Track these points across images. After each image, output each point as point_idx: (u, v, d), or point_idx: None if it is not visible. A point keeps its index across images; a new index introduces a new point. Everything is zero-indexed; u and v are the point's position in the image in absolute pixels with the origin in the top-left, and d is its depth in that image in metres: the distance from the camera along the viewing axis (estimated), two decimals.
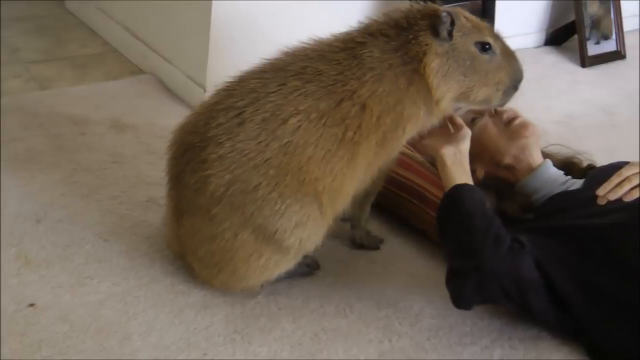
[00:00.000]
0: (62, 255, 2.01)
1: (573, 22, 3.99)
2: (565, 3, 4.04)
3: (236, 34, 2.74)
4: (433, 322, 2.00)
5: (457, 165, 2.01)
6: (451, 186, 1.97)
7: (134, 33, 3.14)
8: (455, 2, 3.24)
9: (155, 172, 2.27)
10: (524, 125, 2.20)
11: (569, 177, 2.18)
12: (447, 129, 2.08)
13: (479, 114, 2.27)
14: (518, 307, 1.93)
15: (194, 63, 2.82)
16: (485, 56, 1.95)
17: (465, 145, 2.05)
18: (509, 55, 2.00)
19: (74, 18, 3.45)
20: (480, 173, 2.23)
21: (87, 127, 2.60)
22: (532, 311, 1.93)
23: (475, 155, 2.21)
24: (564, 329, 1.96)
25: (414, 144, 2.18)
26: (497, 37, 2.00)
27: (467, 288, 1.88)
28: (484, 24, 1.99)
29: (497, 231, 1.87)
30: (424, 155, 2.26)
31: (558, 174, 2.18)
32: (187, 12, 2.82)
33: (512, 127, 2.20)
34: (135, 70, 3.09)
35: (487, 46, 1.95)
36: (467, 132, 2.07)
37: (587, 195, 2.03)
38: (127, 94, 2.88)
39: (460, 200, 1.94)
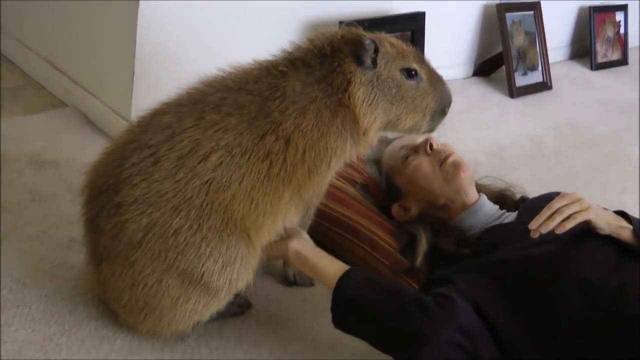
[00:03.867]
0: None
1: (500, 54, 4.05)
2: (492, 35, 4.10)
3: (162, 64, 2.67)
4: None
5: (315, 251, 1.98)
6: (331, 280, 1.88)
7: (55, 65, 3.03)
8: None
9: (77, 210, 2.15)
10: (459, 166, 2.15)
11: (504, 210, 2.16)
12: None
13: (413, 151, 2.23)
14: None
15: (119, 95, 2.74)
16: (412, 82, 1.89)
17: (303, 234, 2.03)
18: (435, 79, 1.94)
19: None
20: (415, 211, 2.20)
21: (4, 163, 2.48)
22: None
23: (409, 194, 2.18)
24: None
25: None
26: (423, 62, 1.94)
27: None
28: (409, 49, 1.93)
29: (413, 297, 1.80)
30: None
31: (493, 209, 2.16)
32: (111, 43, 2.74)
33: (447, 167, 2.15)
34: (57, 103, 2.98)
35: (413, 72, 1.89)
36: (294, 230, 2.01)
37: (520, 228, 2.00)
38: (47, 129, 2.76)
39: (354, 294, 1.84)
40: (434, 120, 1.94)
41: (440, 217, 2.19)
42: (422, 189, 2.18)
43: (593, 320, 1.78)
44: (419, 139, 2.23)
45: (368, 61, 1.84)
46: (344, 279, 1.86)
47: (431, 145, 2.19)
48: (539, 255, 1.89)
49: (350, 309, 1.83)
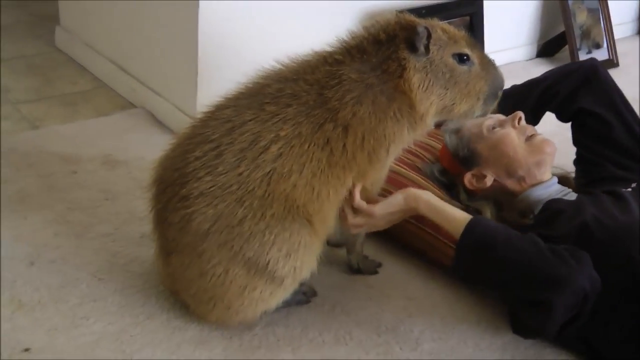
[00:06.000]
0: (56, 296, 1.98)
1: (563, 33, 3.98)
2: (554, 14, 4.03)
3: (224, 62, 2.74)
4: (434, 345, 1.97)
5: (439, 199, 2.01)
6: (461, 223, 1.92)
7: (122, 67, 3.13)
8: (444, 20, 3.23)
9: (147, 207, 2.25)
10: (546, 142, 2.22)
11: (569, 190, 2.20)
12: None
13: (499, 124, 2.26)
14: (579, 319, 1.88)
15: (183, 94, 2.82)
16: (464, 67, 1.92)
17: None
18: (487, 63, 1.97)
19: (63, 55, 3.44)
20: (490, 180, 2.21)
21: (78, 164, 2.59)
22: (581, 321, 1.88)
23: (490, 161, 2.21)
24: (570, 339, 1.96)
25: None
26: (475, 47, 1.97)
27: (558, 314, 1.82)
28: (460, 34, 1.96)
29: (546, 245, 1.85)
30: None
31: (560, 188, 2.22)
32: (174, 43, 2.82)
33: (534, 141, 2.22)
34: (126, 104, 3.08)
35: (465, 57, 1.92)
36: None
37: (578, 201, 2.10)
38: (117, 129, 2.87)
39: (487, 234, 1.89)
40: (486, 104, 1.98)
41: (509, 191, 2.21)
42: (506, 155, 2.21)
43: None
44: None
45: (421, 48, 1.88)
46: (476, 220, 1.93)
47: (519, 119, 2.25)
48: (589, 217, 1.97)
49: (481, 248, 1.88)
